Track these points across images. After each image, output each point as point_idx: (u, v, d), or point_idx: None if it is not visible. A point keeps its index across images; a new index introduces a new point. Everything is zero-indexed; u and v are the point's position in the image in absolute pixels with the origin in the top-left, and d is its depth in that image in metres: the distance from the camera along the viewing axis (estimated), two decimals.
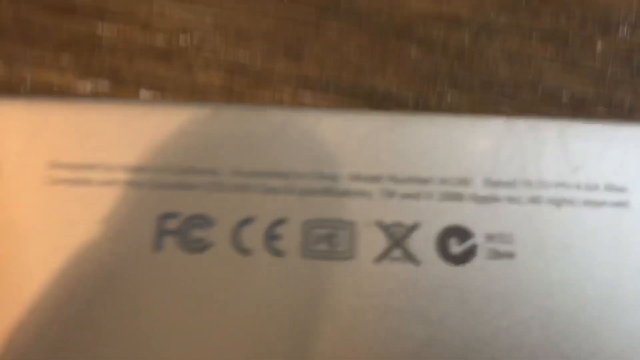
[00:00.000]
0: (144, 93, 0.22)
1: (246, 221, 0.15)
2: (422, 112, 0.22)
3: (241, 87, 0.22)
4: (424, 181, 0.16)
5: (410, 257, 0.15)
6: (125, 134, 0.16)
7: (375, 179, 0.16)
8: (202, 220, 0.15)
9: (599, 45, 0.23)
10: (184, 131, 0.16)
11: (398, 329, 0.14)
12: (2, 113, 0.16)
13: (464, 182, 0.16)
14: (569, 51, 0.23)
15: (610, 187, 0.16)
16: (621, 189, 0.16)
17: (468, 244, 0.15)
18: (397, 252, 0.15)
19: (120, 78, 0.22)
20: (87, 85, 0.22)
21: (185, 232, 0.15)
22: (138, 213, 0.15)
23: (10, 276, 0.15)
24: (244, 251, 0.15)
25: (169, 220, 0.15)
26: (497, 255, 0.15)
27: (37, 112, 0.16)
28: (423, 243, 0.15)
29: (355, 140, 0.16)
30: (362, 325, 0.14)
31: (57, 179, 0.15)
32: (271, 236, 0.15)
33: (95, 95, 0.21)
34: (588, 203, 0.15)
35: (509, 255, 0.15)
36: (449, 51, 0.23)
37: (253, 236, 0.15)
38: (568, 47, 0.23)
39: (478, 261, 0.15)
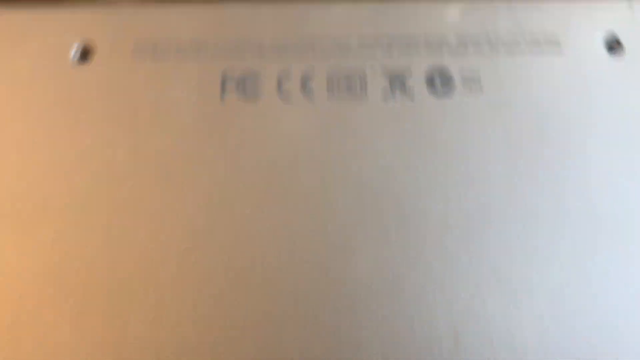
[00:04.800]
0: None
1: (285, 76, 0.20)
2: None
3: None
4: (412, 37, 0.20)
5: (407, 95, 0.20)
6: (187, 13, 0.20)
7: (376, 38, 0.20)
8: (253, 76, 0.20)
9: None
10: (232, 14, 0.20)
11: (408, 151, 0.19)
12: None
13: (442, 38, 0.20)
14: None
15: (549, 41, 0.21)
16: (555, 43, 0.21)
17: (449, 83, 0.20)
18: (397, 93, 0.20)
19: None
20: None
21: (242, 85, 0.19)
22: (203, 71, 0.19)
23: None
24: (285, 100, 0.19)
25: (228, 75, 0.19)
26: (470, 91, 0.20)
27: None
28: (416, 85, 0.20)
29: (358, 14, 0.21)
30: (376, 145, 0.19)
31: (143, 56, 0.20)
32: (304, 87, 0.20)
33: None
34: (532, 53, 0.21)
35: (479, 90, 0.20)
36: None
37: (291, 88, 0.20)
38: None
39: (457, 96, 0.20)
